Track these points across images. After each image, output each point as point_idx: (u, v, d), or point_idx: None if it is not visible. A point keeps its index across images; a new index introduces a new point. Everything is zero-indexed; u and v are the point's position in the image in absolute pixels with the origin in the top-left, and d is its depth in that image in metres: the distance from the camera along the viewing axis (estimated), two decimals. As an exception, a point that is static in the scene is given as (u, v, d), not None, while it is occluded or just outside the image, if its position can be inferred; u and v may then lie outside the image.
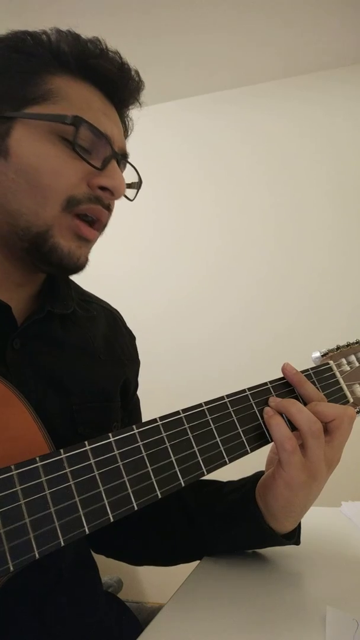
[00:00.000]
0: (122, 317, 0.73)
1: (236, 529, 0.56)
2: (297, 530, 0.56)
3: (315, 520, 0.71)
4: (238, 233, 2.08)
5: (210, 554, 0.60)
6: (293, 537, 0.55)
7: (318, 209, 2.00)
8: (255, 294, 2.02)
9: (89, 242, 0.53)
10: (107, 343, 0.65)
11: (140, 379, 0.74)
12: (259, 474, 0.57)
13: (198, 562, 0.59)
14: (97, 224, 0.53)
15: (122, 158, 0.55)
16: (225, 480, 0.62)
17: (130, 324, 0.75)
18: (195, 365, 2.03)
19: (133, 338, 0.74)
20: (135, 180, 0.59)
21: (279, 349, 1.90)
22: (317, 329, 1.89)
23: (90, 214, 0.51)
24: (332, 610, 0.45)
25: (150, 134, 2.11)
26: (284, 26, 1.80)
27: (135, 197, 0.59)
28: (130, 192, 0.57)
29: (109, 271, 1.95)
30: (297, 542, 0.56)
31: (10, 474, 0.32)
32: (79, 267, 0.53)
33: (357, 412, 0.56)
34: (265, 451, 0.55)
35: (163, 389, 1.82)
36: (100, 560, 0.66)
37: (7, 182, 0.48)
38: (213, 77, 2.09)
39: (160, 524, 0.62)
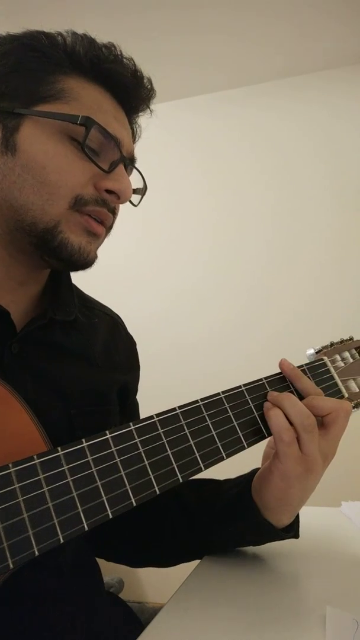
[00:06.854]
0: (123, 323, 0.73)
1: (234, 525, 0.55)
2: (296, 523, 0.55)
3: (315, 520, 0.71)
4: (236, 232, 2.09)
5: (211, 553, 0.60)
6: (292, 530, 0.55)
7: (317, 209, 2.00)
8: (254, 293, 2.02)
9: (98, 237, 0.53)
10: (107, 350, 0.65)
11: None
12: (256, 471, 0.57)
13: (198, 562, 0.58)
14: (103, 225, 0.53)
15: (129, 163, 0.55)
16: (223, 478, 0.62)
17: (127, 322, 0.75)
18: (192, 363, 2.03)
19: (133, 344, 0.73)
20: (141, 186, 0.58)
21: (276, 347, 1.89)
22: (313, 328, 1.89)
23: (95, 216, 0.51)
24: (332, 610, 0.45)
25: (149, 133, 2.11)
26: (284, 26, 1.80)
27: (139, 203, 0.59)
28: (134, 198, 0.57)
29: (107, 269, 1.95)
30: (296, 535, 0.56)
31: (8, 471, 0.33)
32: (88, 262, 0.53)
33: (353, 408, 0.56)
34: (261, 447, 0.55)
35: (161, 387, 1.82)
36: (101, 560, 0.66)
37: (14, 177, 0.48)
38: (213, 77, 2.09)
39: (160, 526, 0.61)
